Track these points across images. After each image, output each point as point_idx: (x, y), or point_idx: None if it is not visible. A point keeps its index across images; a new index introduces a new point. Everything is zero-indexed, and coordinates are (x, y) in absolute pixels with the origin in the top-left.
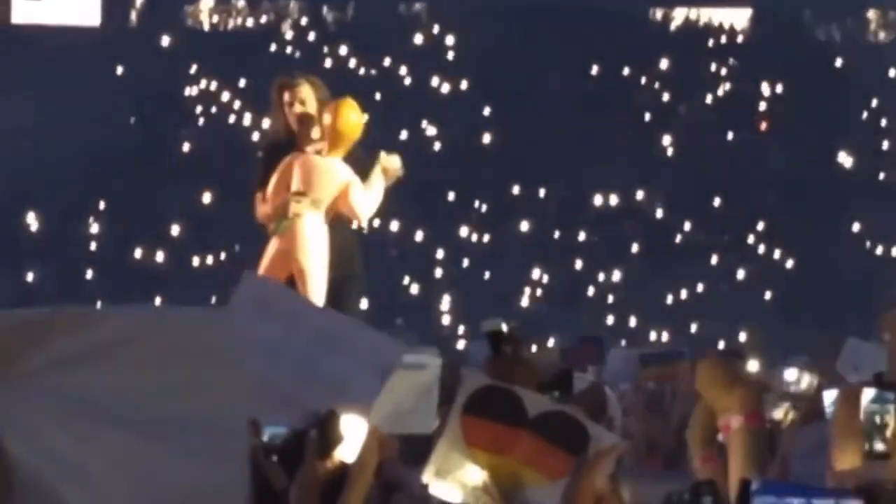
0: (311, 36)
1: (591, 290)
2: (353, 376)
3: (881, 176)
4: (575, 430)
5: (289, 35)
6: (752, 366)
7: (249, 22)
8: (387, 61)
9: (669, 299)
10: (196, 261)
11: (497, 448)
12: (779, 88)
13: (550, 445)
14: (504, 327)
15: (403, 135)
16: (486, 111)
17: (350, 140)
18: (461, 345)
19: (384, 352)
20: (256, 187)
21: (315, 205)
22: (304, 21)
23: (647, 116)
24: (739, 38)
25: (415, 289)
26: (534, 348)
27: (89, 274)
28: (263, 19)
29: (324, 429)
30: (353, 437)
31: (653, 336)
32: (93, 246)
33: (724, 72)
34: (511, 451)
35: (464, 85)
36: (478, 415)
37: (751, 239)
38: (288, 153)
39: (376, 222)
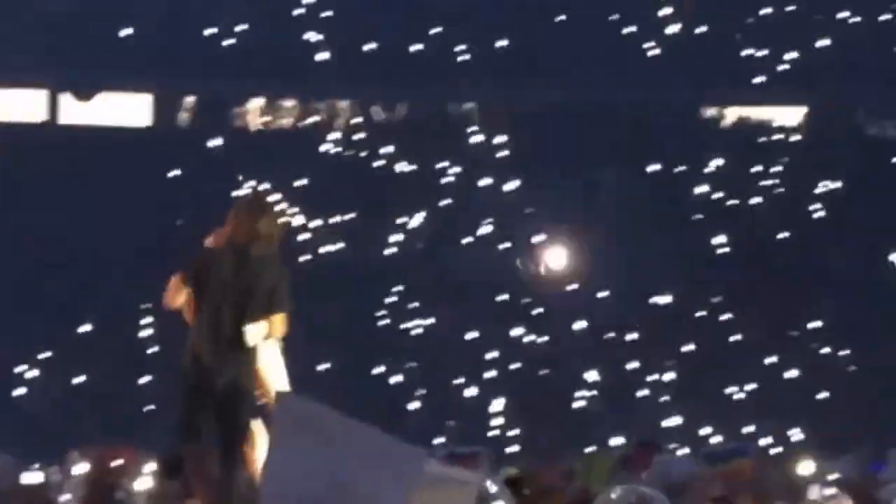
0: (361, 135)
1: (644, 390)
2: (382, 487)
3: None
4: None
5: (338, 135)
6: (808, 467)
7: (299, 122)
8: (437, 162)
9: (723, 398)
10: None
11: None
12: (834, 186)
13: None
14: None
15: (453, 236)
16: (539, 210)
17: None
18: (513, 448)
19: (409, 463)
20: None
21: None
22: (354, 121)
23: (702, 215)
24: (793, 137)
25: (467, 389)
26: (591, 448)
27: (139, 378)
28: (313, 119)
29: None
30: None
31: (705, 434)
32: (145, 335)
33: (778, 170)
34: None
35: (515, 185)
36: None
37: (805, 338)
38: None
39: (429, 322)
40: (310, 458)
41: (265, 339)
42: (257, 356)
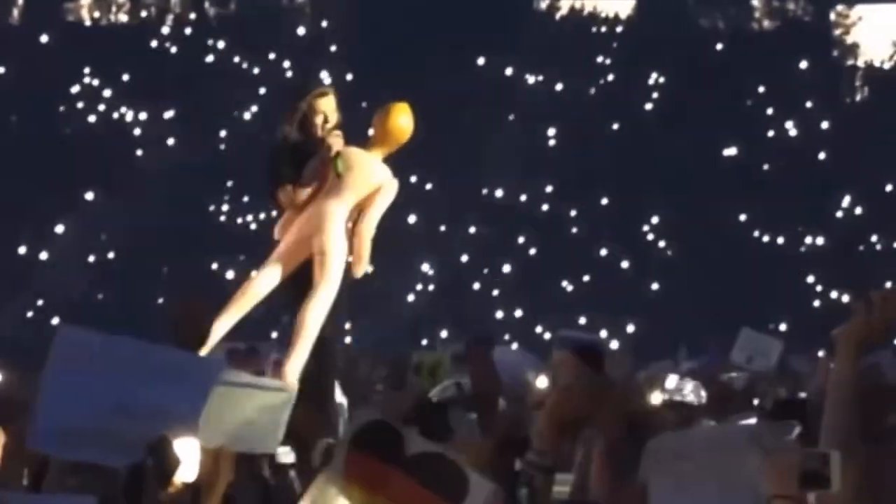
0: (193, 30)
1: (477, 284)
2: (173, 400)
3: (765, 166)
4: (453, 476)
5: (169, 30)
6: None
7: (131, 17)
8: (271, 55)
9: (556, 292)
10: (78, 257)
11: (370, 485)
12: (663, 78)
13: (423, 488)
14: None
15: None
16: (371, 103)
17: (396, 143)
18: (348, 340)
19: (201, 372)
20: (276, 184)
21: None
22: (186, 16)
23: (533, 109)
24: (623, 28)
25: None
26: (424, 342)
27: None
28: (144, 14)
29: (158, 456)
30: (190, 458)
31: (539, 329)
32: None
33: (608, 62)
34: (383, 489)
35: (348, 77)
36: (359, 450)
37: (637, 230)
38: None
39: (262, 216)
40: (90, 386)
41: None
42: None
